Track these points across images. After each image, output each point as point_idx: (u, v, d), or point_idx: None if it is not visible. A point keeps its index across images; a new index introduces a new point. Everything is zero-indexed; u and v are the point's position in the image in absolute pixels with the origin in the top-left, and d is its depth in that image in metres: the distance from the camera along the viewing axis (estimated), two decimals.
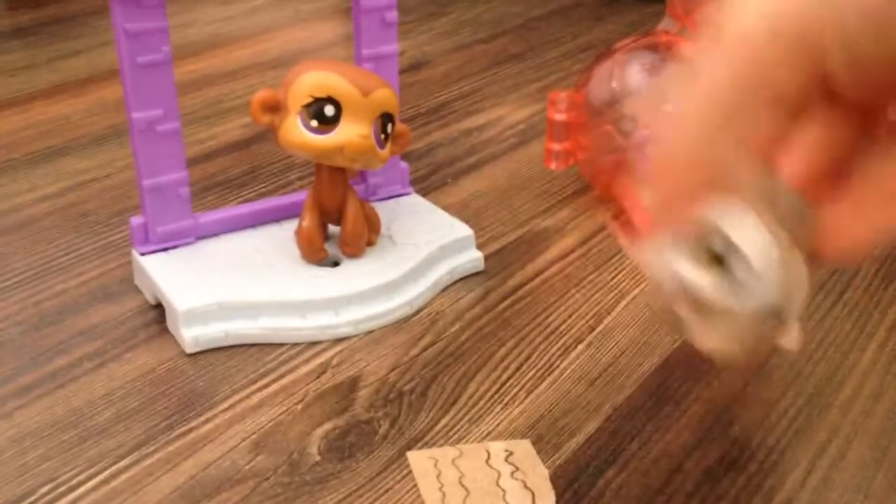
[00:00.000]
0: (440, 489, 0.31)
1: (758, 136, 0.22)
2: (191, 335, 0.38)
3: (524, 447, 0.33)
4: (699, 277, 0.22)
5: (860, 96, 0.21)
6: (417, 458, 0.33)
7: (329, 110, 0.38)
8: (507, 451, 0.33)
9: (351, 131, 0.38)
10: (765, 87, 0.21)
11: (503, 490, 0.31)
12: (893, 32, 0.18)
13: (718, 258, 0.22)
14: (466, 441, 0.33)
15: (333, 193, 0.41)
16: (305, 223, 0.41)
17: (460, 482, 0.32)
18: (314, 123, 0.38)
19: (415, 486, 0.31)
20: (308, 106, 0.38)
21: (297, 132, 0.38)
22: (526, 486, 0.32)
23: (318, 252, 0.42)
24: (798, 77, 0.21)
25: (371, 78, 0.39)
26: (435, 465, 0.32)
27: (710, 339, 0.27)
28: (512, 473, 0.32)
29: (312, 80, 0.38)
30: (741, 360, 0.29)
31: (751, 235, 0.21)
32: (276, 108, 0.39)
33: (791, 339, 0.28)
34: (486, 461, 0.33)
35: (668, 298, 0.26)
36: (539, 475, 0.32)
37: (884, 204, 0.24)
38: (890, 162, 0.24)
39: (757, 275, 0.21)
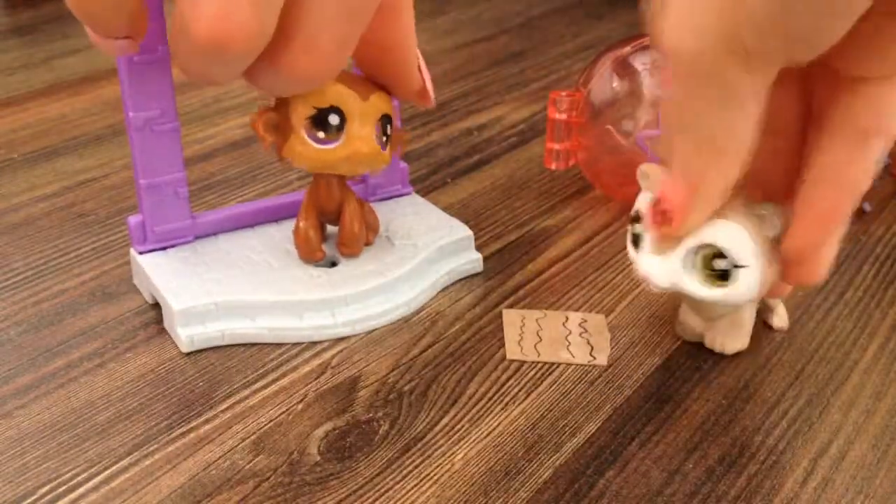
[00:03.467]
0: (520, 333, 0.39)
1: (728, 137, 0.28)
2: (187, 334, 0.38)
3: (598, 319, 0.41)
4: (694, 284, 0.32)
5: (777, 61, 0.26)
6: (509, 313, 0.41)
7: (334, 119, 0.37)
8: (582, 318, 0.40)
9: (358, 138, 0.38)
10: (710, 88, 0.26)
11: (568, 342, 0.39)
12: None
13: (711, 265, 0.31)
14: (466, 441, 0.33)
15: (331, 194, 0.41)
16: (303, 223, 0.41)
17: (537, 333, 0.39)
18: (321, 135, 0.37)
19: (414, 486, 0.31)
20: (312, 118, 0.37)
21: (306, 146, 0.37)
22: (588, 342, 0.39)
23: (315, 252, 0.41)
24: (728, 66, 0.26)
25: (364, 81, 0.39)
26: (521, 319, 0.40)
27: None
28: (580, 334, 0.39)
29: (313, 91, 0.37)
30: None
31: (734, 238, 0.30)
32: (276, 125, 0.38)
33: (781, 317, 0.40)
34: (563, 323, 0.40)
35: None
36: (602, 337, 0.39)
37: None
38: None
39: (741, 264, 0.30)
